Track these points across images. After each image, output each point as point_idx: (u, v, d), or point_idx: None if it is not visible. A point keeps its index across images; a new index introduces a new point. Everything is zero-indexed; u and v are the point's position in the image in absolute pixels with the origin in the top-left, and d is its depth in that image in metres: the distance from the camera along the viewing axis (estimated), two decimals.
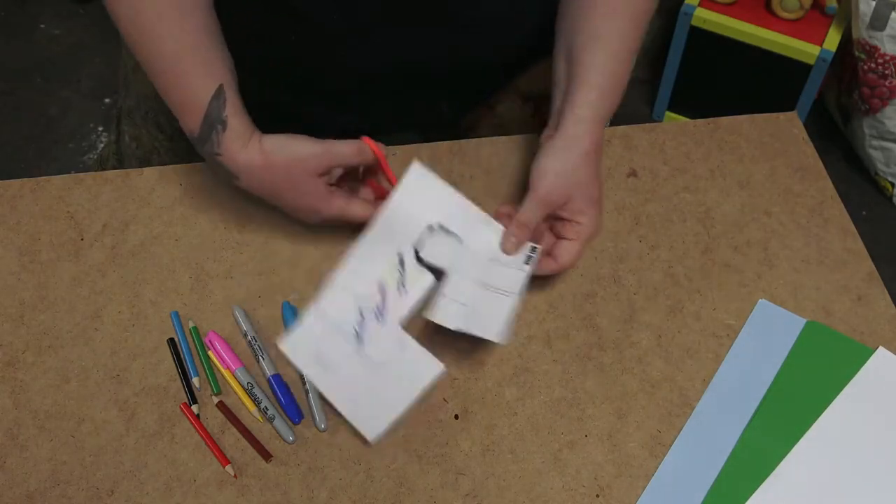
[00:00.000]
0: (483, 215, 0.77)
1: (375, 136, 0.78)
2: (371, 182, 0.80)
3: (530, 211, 0.75)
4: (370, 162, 0.77)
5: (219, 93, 0.72)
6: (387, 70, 0.85)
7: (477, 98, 0.96)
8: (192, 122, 0.73)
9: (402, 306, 0.74)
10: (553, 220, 0.78)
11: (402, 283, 0.74)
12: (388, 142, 0.89)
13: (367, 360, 0.71)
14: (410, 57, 0.83)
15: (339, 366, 0.71)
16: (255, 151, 0.73)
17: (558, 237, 0.77)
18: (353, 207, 0.77)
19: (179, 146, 0.98)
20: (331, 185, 0.76)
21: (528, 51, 0.91)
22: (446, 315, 0.71)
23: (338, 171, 0.76)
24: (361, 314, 0.73)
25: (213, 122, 0.72)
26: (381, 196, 0.79)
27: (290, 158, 0.73)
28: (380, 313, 0.73)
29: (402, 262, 0.75)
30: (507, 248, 0.75)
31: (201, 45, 0.73)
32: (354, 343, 0.72)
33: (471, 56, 0.85)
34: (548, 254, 0.76)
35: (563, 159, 0.74)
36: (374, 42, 0.82)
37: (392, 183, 0.78)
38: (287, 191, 0.75)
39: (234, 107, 0.73)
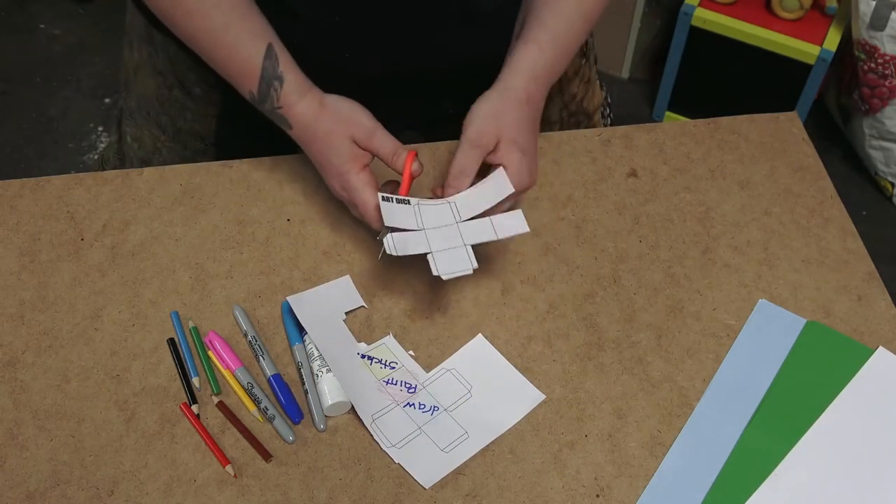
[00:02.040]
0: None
1: None
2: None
3: (463, 155, 0.76)
4: (397, 170, 0.77)
5: (269, 52, 0.75)
6: (387, 68, 0.85)
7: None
8: (250, 85, 0.77)
9: (412, 371, 0.74)
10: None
11: (390, 365, 0.74)
12: None
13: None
14: (410, 55, 0.83)
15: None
16: (314, 103, 0.76)
17: None
18: (370, 189, 0.76)
19: (181, 146, 0.98)
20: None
21: None
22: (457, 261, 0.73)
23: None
24: (415, 414, 0.72)
25: (271, 79, 0.75)
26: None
27: (342, 115, 0.76)
28: (414, 391, 0.73)
29: (365, 356, 0.75)
30: (447, 196, 0.76)
31: (245, 14, 0.76)
32: (430, 416, 0.72)
33: (471, 54, 0.85)
34: None
35: (492, 103, 0.76)
36: (374, 41, 0.82)
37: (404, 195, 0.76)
38: (323, 142, 0.77)
39: (287, 62, 0.76)
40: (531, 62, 0.78)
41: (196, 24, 0.76)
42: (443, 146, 0.90)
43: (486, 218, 0.75)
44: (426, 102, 0.92)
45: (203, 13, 0.75)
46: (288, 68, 0.76)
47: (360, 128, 0.76)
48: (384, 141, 0.76)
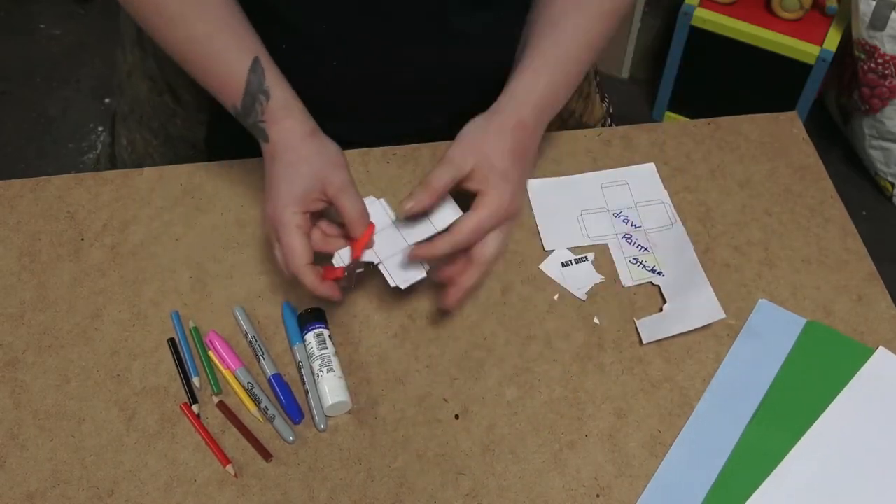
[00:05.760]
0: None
1: (372, 146, 0.76)
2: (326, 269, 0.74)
3: (434, 169, 0.72)
4: (354, 236, 0.73)
5: (255, 65, 0.73)
6: (378, 81, 0.84)
7: (472, 111, 0.95)
8: (234, 98, 0.73)
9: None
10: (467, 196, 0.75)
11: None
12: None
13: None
14: (401, 69, 0.83)
15: None
16: (307, 127, 0.73)
17: None
18: (299, 235, 0.71)
19: (171, 152, 0.98)
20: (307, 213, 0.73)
21: None
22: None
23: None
24: None
25: (255, 93, 0.73)
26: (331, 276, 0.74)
27: (326, 154, 0.73)
28: None
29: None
30: (405, 206, 0.71)
31: (230, 23, 0.73)
32: None
33: (462, 69, 0.84)
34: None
35: (477, 128, 0.75)
36: (364, 53, 0.81)
37: (354, 256, 0.73)
38: (289, 166, 0.72)
39: (274, 77, 0.73)
40: (525, 89, 0.75)
41: (178, 34, 0.73)
42: (443, 146, 0.89)
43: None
44: (418, 115, 0.91)
45: (186, 22, 0.72)
46: (274, 83, 0.73)
47: (335, 176, 0.71)
48: (353, 202, 0.71)
